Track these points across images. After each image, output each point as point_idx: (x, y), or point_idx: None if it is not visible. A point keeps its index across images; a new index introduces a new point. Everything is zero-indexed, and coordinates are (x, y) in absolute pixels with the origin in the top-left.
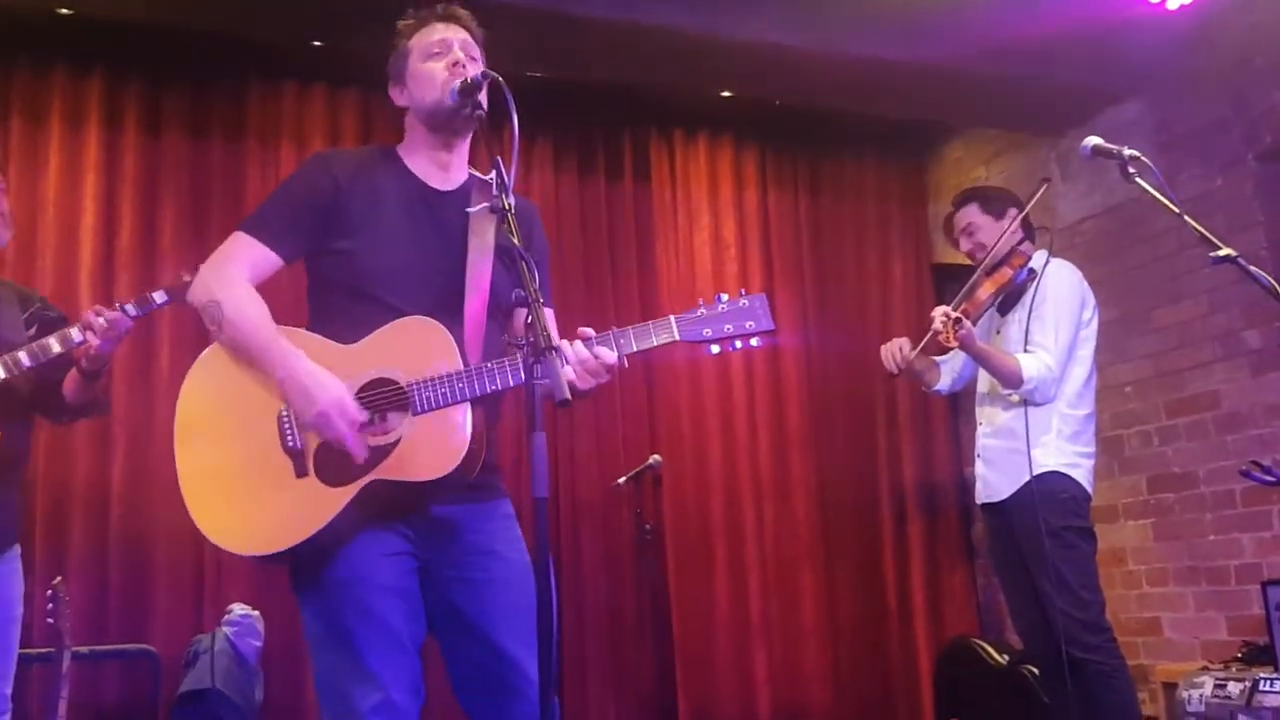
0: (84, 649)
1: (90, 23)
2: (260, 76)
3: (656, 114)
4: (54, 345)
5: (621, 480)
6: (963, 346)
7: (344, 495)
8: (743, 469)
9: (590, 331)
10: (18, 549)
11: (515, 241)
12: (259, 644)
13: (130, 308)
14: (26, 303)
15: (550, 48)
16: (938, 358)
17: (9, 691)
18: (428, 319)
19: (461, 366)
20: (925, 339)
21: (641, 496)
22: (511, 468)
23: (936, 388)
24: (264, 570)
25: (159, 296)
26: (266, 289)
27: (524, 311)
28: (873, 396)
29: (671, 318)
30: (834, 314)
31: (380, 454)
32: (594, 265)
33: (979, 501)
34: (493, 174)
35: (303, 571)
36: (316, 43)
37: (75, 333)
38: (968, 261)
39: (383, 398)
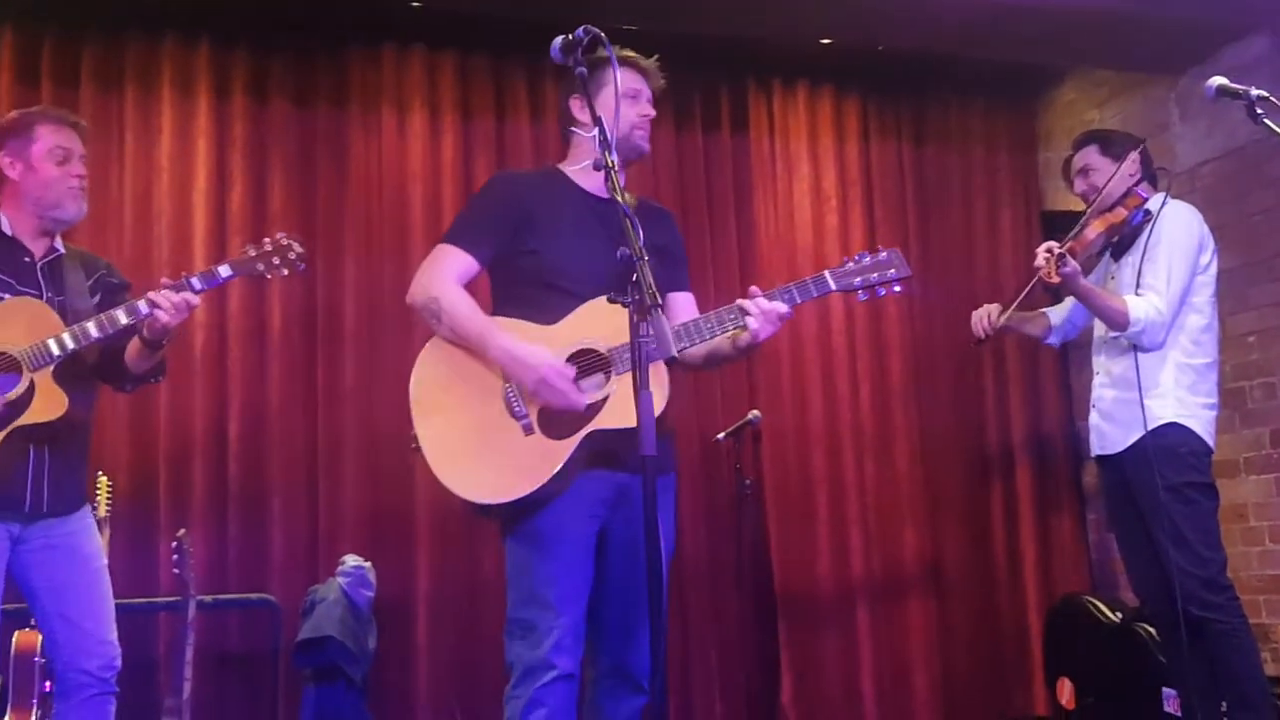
0: (208, 598)
1: None
2: (360, 40)
3: (754, 64)
4: (121, 317)
5: (721, 436)
6: (1065, 284)
7: (568, 445)
8: (844, 423)
9: (757, 289)
10: (88, 508)
11: (620, 199)
12: (371, 594)
13: (196, 281)
14: (91, 268)
15: (647, 1)
16: (1049, 309)
17: (114, 638)
18: (604, 298)
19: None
20: (1024, 291)
21: (741, 452)
22: None
23: (1046, 339)
24: (374, 522)
25: (224, 270)
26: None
27: (678, 299)
28: (974, 350)
29: (826, 272)
30: (938, 264)
31: (595, 409)
32: (692, 219)
33: (1094, 454)
34: (594, 131)
35: (514, 521)
36: (415, 3)
37: (142, 305)
38: (1080, 207)
39: (588, 363)
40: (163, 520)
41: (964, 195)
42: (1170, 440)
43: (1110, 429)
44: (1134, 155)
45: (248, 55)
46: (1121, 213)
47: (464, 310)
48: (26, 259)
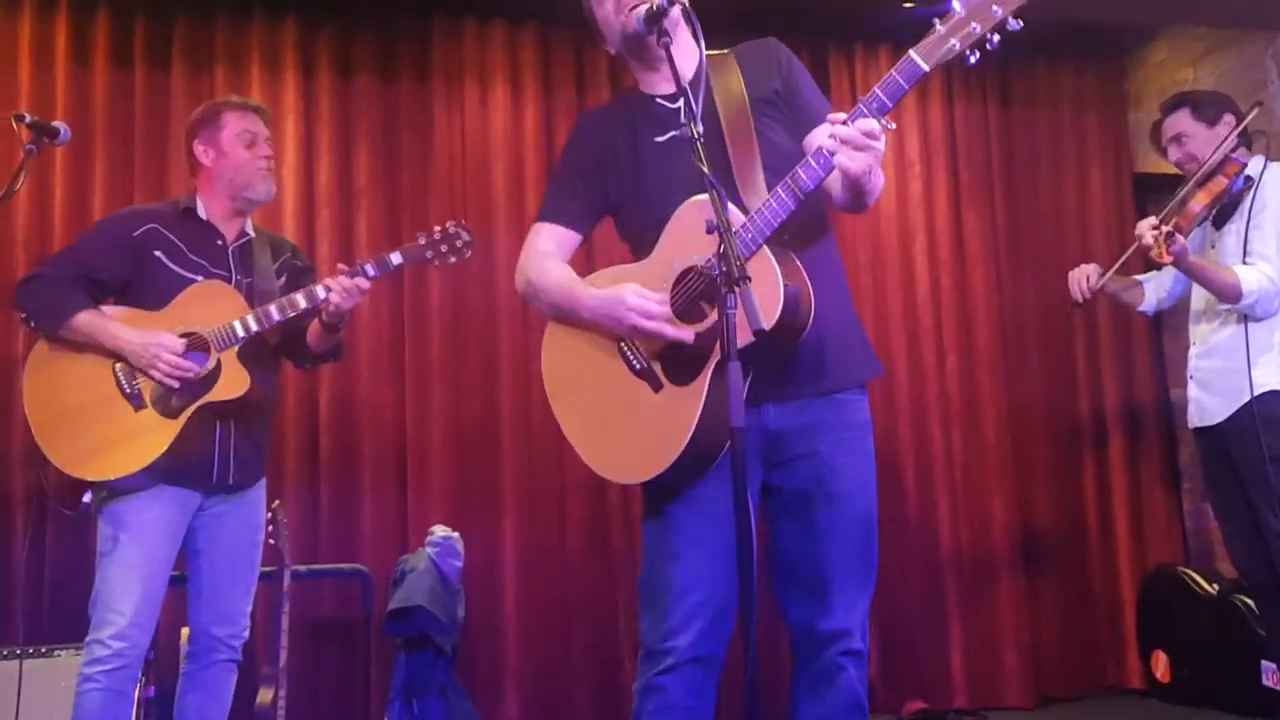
0: (302, 568)
1: None
2: (442, 15)
3: (835, 28)
4: (301, 301)
5: None
6: (1176, 263)
7: (701, 384)
8: (930, 392)
9: (840, 115)
10: (264, 482)
11: (705, 170)
12: (459, 564)
13: (370, 268)
14: (278, 251)
15: None
16: (1142, 276)
17: (249, 609)
18: (693, 199)
19: (743, 221)
20: (1123, 257)
21: None
22: None
23: (1141, 308)
24: (461, 493)
25: (395, 258)
26: None
27: (819, 132)
28: (1069, 314)
29: (911, 51)
30: (1026, 229)
31: (714, 335)
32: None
33: (1191, 425)
34: (680, 103)
35: (657, 499)
36: None
37: (320, 290)
38: (1172, 171)
39: (692, 287)
40: None
41: (1052, 159)
42: (1275, 409)
43: (1209, 399)
44: (1229, 119)
45: (333, 32)
46: (1223, 181)
47: (551, 281)
48: (219, 242)
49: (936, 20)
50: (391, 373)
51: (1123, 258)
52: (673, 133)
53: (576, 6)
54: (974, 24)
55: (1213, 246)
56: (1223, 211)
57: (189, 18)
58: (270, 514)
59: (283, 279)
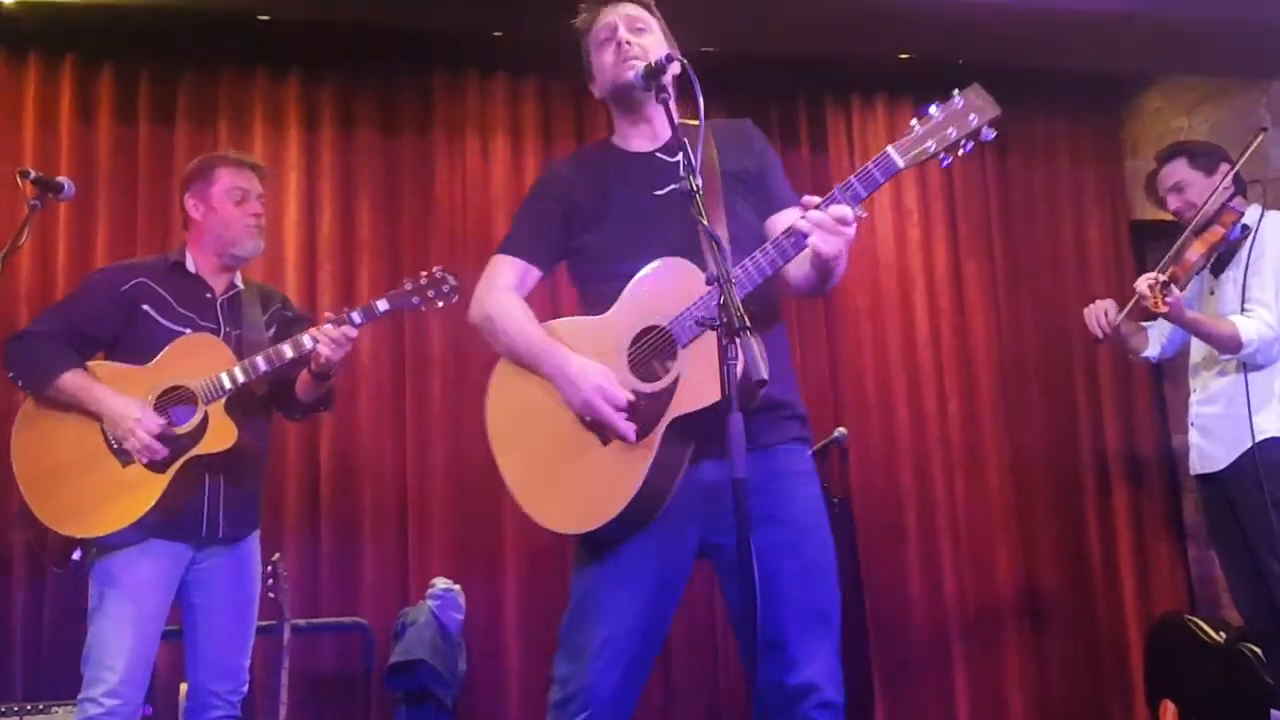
0: (301, 621)
1: (287, 27)
2: (444, 69)
3: (832, 80)
4: (288, 351)
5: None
6: (1171, 315)
7: (651, 443)
8: (932, 439)
9: (815, 199)
10: (258, 533)
11: (704, 222)
12: (461, 616)
13: (355, 316)
14: (268, 303)
15: (726, 22)
16: (1145, 323)
17: (248, 663)
18: (667, 258)
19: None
20: (1130, 304)
21: (828, 470)
22: None
23: (1145, 354)
24: (463, 545)
25: (382, 305)
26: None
27: (781, 218)
28: (1070, 361)
29: (889, 147)
30: (1026, 277)
31: (667, 395)
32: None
33: (1193, 472)
34: (679, 156)
35: (593, 546)
36: (497, 33)
37: (307, 340)
38: (1170, 218)
39: (651, 346)
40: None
41: (1050, 206)
42: (1276, 456)
43: (1211, 446)
44: (1225, 168)
45: (335, 87)
46: (1219, 230)
47: (514, 325)
48: (208, 295)
49: (915, 120)
50: (392, 424)
51: (1130, 304)
52: (672, 186)
53: (577, 60)
54: (950, 129)
55: (1211, 294)
56: (1221, 259)
57: (193, 74)
58: (270, 567)
59: (272, 330)
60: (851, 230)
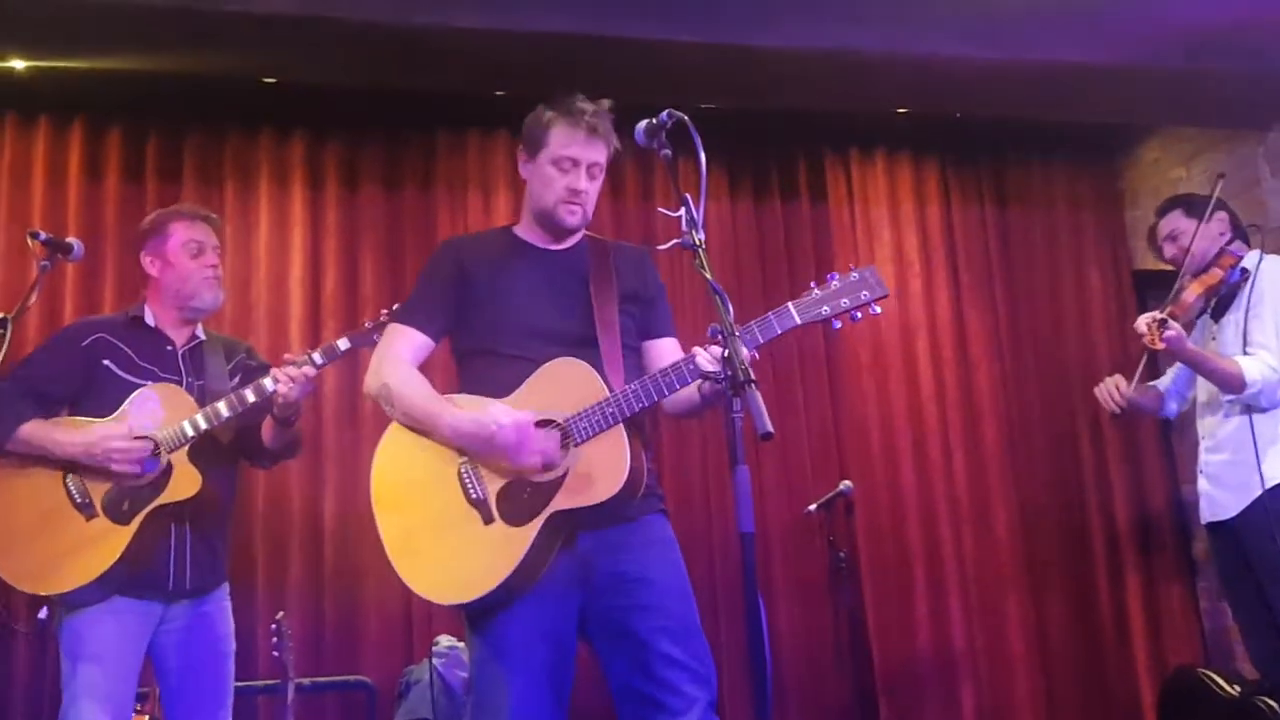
0: (305, 680)
1: (292, 89)
2: (447, 128)
3: (830, 134)
4: (250, 395)
5: (812, 507)
6: (1170, 350)
7: (530, 531)
8: (938, 492)
9: (716, 326)
10: (226, 587)
11: (708, 276)
12: (465, 675)
13: (317, 356)
14: (232, 352)
15: (726, 80)
16: (1156, 382)
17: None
18: (571, 359)
19: (608, 395)
20: (1140, 367)
21: (833, 523)
22: (700, 501)
23: (1164, 413)
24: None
25: (343, 344)
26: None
27: (658, 345)
28: (1075, 411)
29: (789, 304)
30: (1028, 327)
31: (553, 488)
32: (773, 288)
33: (1204, 521)
34: (681, 211)
35: (480, 620)
36: (499, 92)
37: (268, 382)
38: (1171, 268)
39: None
40: (260, 602)
41: (1050, 256)
42: None
43: (1221, 494)
44: (1221, 215)
45: (340, 145)
46: (1217, 273)
47: (412, 390)
48: (169, 347)
49: (814, 285)
50: None
51: (1141, 362)
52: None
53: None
54: (844, 299)
55: (1213, 339)
56: (1220, 304)
57: (199, 134)
58: (275, 625)
59: (236, 379)
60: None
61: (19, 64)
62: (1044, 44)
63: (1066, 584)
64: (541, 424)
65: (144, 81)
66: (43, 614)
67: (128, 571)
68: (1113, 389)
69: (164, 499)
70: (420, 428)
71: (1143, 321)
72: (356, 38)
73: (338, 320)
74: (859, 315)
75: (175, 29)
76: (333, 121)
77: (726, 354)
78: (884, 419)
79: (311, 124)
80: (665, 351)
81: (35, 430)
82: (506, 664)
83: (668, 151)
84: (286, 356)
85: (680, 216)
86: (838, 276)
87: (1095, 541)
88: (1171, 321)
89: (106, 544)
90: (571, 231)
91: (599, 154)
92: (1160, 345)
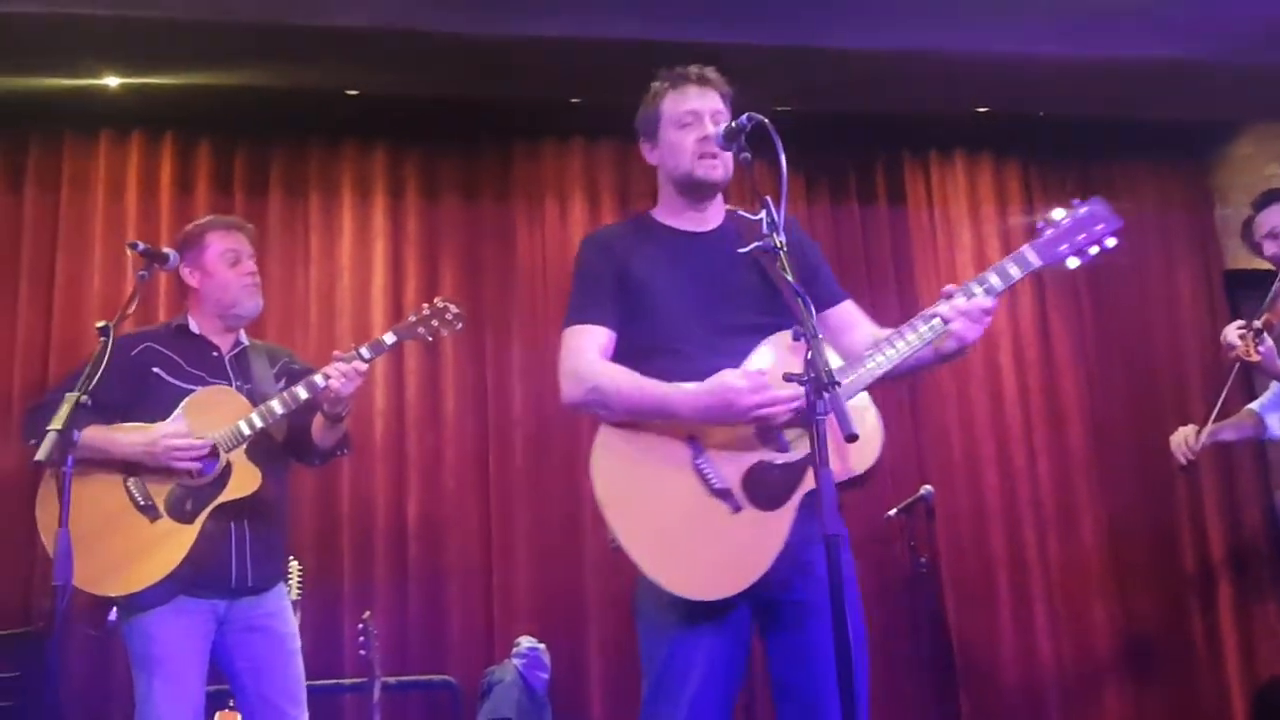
0: (391, 679)
1: (373, 101)
2: (523, 136)
3: (909, 137)
4: (301, 392)
5: (892, 513)
6: (1262, 366)
7: (787, 513)
8: (1022, 497)
9: (952, 287)
10: (284, 586)
11: (789, 278)
12: (546, 676)
13: (365, 350)
14: (275, 357)
15: (803, 82)
16: (1253, 405)
17: (306, 717)
18: (782, 334)
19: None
20: (1229, 381)
21: (914, 529)
22: None
23: (1267, 436)
24: (546, 603)
25: (389, 338)
26: None
27: (838, 311)
28: (1163, 416)
29: (1025, 246)
30: (1114, 329)
31: (802, 466)
32: (851, 291)
33: None
34: (762, 214)
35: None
36: (574, 100)
37: (319, 379)
38: (1267, 266)
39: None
40: (346, 602)
41: (1137, 257)
42: None
43: None
44: None
45: (420, 157)
46: None
47: (630, 384)
48: (214, 354)
49: (1045, 224)
50: (476, 484)
51: (1231, 376)
52: (755, 244)
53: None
54: (1080, 234)
55: None
56: None
57: (285, 147)
58: (361, 625)
59: (281, 383)
60: (989, 320)
61: (113, 81)
62: (1128, 40)
63: (1155, 592)
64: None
65: (231, 96)
66: (112, 616)
67: (192, 570)
68: (1182, 441)
69: (225, 496)
70: (646, 418)
71: (1233, 331)
72: (435, 49)
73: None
74: (1093, 253)
75: (261, 45)
76: (412, 133)
77: (810, 355)
78: (965, 422)
79: (392, 136)
80: (847, 315)
81: (95, 433)
82: (700, 659)
83: (747, 155)
84: (336, 353)
85: (761, 219)
86: (1065, 211)
87: (1185, 549)
88: (1267, 335)
89: (172, 543)
90: (716, 187)
91: (715, 100)
92: (1255, 358)
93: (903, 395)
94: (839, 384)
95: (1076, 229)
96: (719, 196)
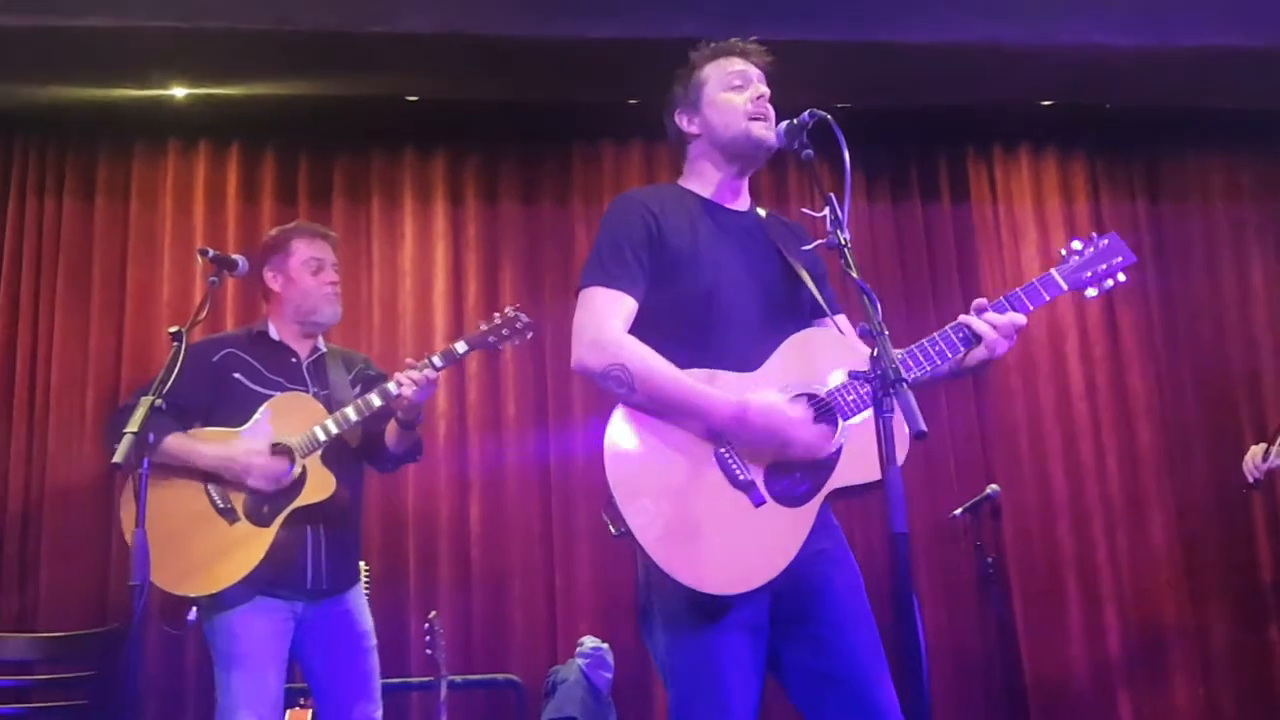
0: (457, 678)
1: (434, 106)
2: (581, 138)
3: (971, 131)
4: (375, 400)
5: (958, 511)
6: None
7: (811, 510)
8: (1090, 495)
9: (984, 301)
10: (360, 586)
11: (855, 276)
12: (610, 675)
13: (436, 359)
14: (351, 364)
15: (861, 77)
16: None
17: (379, 715)
18: (821, 329)
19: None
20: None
21: (980, 528)
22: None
23: None
24: (608, 602)
25: (460, 347)
26: None
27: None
28: (1236, 411)
29: (1053, 270)
30: (1185, 326)
31: (828, 464)
32: (914, 289)
33: None
34: (825, 211)
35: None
36: (632, 101)
37: (392, 386)
38: None
39: (816, 409)
40: (412, 603)
41: (1207, 250)
42: None
43: None
44: None
45: (479, 161)
46: None
47: (665, 375)
48: (293, 360)
49: (1066, 251)
50: (538, 485)
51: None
52: (819, 242)
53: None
54: (1102, 266)
55: None
56: None
57: (347, 154)
58: (427, 624)
59: (357, 389)
60: (1015, 339)
61: (179, 92)
62: (1197, 28)
63: (1230, 590)
64: (801, 397)
65: (294, 105)
66: (192, 615)
67: (270, 572)
68: (1248, 461)
69: (300, 502)
70: (665, 410)
71: None
72: (494, 53)
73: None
74: (1110, 285)
75: (322, 53)
76: (471, 137)
77: (875, 353)
78: (1032, 420)
79: (452, 141)
80: (842, 327)
81: (179, 442)
82: (729, 665)
83: (810, 151)
84: (408, 361)
85: (824, 217)
86: (1081, 243)
87: (1259, 547)
88: None
89: (250, 546)
90: (767, 153)
91: (759, 72)
92: None
93: (969, 393)
94: (906, 381)
95: (1097, 260)
96: (746, 183)
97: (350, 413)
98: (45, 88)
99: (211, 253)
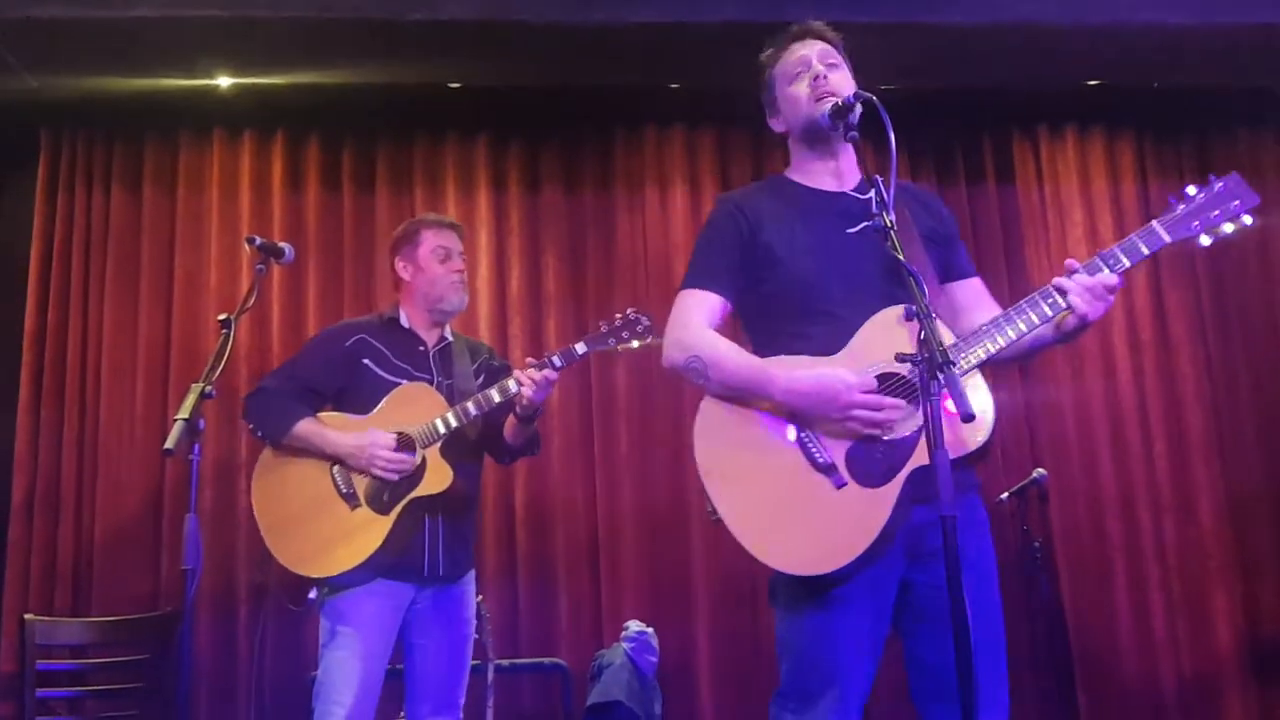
0: (504, 662)
1: (476, 93)
2: (623, 124)
3: (1017, 112)
4: (495, 396)
5: (1004, 496)
6: None
7: (892, 490)
8: (1138, 480)
9: (1075, 262)
10: (473, 574)
11: (900, 257)
12: (655, 659)
13: (556, 359)
14: (476, 354)
15: (907, 60)
16: None
17: (463, 699)
18: (901, 307)
19: (955, 340)
20: None
21: (1027, 513)
22: None
23: None
24: (654, 587)
25: (580, 348)
26: None
27: (964, 286)
28: None
29: (1154, 222)
30: (1235, 310)
31: (910, 442)
32: None
33: None
34: (872, 193)
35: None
36: (673, 85)
37: (512, 384)
38: None
39: (892, 389)
40: None
41: (1260, 232)
42: None
43: None
44: None
45: (521, 148)
46: None
47: (731, 358)
48: (421, 348)
49: (1177, 199)
50: (583, 469)
51: None
52: (865, 224)
53: (752, 108)
54: (1214, 211)
55: None
56: None
57: (390, 142)
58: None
59: (480, 379)
60: (1113, 299)
61: (225, 81)
62: (1247, 5)
63: (1279, 577)
64: (884, 377)
65: (338, 94)
66: (312, 594)
67: (388, 557)
68: None
69: (418, 492)
70: (742, 395)
71: None
72: (535, 38)
73: (523, 317)
74: (1229, 229)
75: (364, 41)
76: (514, 123)
77: (924, 335)
78: (1079, 404)
79: (494, 127)
80: (972, 292)
81: (309, 428)
82: (840, 637)
83: (855, 134)
84: (529, 360)
85: (870, 198)
86: (1198, 187)
87: None
88: None
89: (370, 532)
90: (833, 128)
91: (822, 45)
92: None
93: (1015, 377)
94: (954, 364)
95: (1211, 204)
96: (850, 152)
97: (470, 407)
98: (93, 79)
99: (258, 240)
